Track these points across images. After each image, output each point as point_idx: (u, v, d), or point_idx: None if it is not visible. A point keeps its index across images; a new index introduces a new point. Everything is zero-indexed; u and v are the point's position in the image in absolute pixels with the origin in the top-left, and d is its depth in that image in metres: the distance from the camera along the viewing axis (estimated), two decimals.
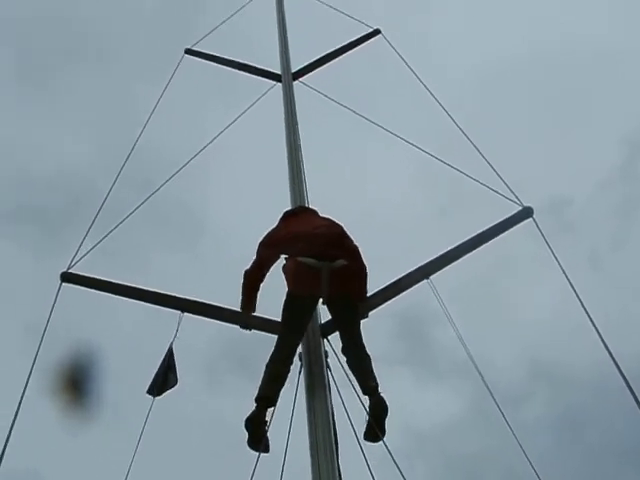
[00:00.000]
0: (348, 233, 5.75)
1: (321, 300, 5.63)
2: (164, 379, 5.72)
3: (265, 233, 5.83)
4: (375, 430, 5.07)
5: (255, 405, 5.18)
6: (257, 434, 5.06)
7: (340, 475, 4.83)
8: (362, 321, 5.73)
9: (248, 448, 5.08)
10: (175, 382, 5.79)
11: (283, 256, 5.74)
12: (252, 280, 5.71)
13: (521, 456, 5.12)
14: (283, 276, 5.72)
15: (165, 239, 13.16)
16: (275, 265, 5.81)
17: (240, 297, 5.79)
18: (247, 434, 5.11)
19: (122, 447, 5.49)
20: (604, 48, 16.14)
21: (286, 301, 5.57)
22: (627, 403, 4.66)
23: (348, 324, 5.60)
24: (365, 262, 5.70)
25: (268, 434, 5.13)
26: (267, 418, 5.16)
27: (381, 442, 5.03)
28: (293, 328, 5.49)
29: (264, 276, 5.75)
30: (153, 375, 5.75)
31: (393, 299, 6.02)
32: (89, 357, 6.01)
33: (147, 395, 5.65)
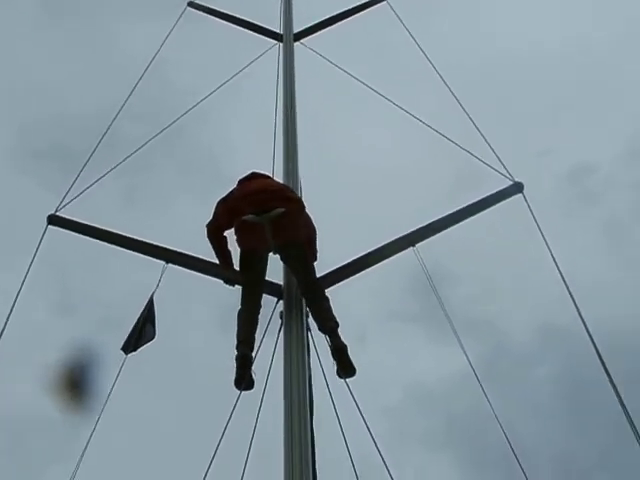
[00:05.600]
0: (290, 190, 6.17)
1: (272, 252, 5.86)
2: (139, 335, 5.74)
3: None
4: (344, 367, 5.44)
5: (235, 350, 5.52)
6: (241, 373, 5.39)
7: (312, 425, 4.98)
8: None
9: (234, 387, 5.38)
10: (153, 335, 5.83)
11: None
12: (212, 232, 5.98)
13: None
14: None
15: (160, 190, 13.17)
16: None
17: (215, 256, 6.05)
18: (235, 372, 5.44)
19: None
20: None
21: (239, 259, 5.90)
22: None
23: (300, 266, 5.84)
24: (305, 203, 5.96)
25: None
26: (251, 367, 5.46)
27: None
28: (250, 281, 5.85)
29: (221, 230, 5.98)
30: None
31: (377, 264, 6.06)
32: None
33: (120, 351, 5.69)
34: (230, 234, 5.91)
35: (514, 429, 5.35)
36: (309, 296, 5.77)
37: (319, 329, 5.63)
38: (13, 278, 5.99)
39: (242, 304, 5.78)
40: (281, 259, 5.91)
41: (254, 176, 6.19)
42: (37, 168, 14.78)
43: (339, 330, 5.63)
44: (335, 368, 5.50)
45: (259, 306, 5.79)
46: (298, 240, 5.81)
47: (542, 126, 14.77)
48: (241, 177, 6.20)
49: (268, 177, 6.38)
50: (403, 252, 6.06)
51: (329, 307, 5.73)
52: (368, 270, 6.07)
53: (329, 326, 5.60)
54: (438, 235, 6.20)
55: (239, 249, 5.87)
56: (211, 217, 6.02)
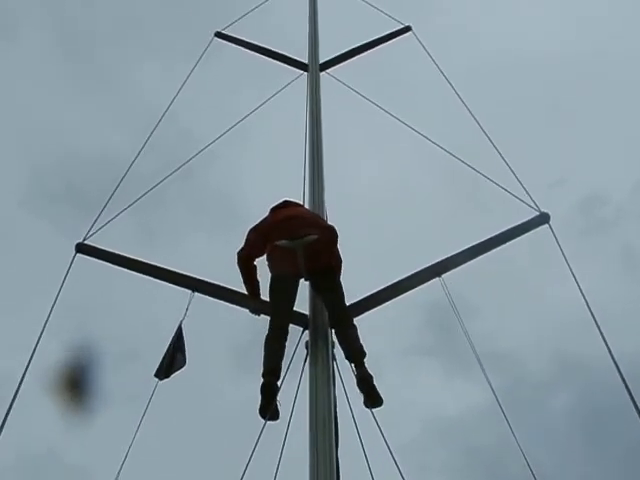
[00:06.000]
0: (323, 219, 6.19)
1: (303, 279, 5.88)
2: (171, 360, 5.79)
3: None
4: (371, 397, 5.44)
5: (262, 378, 5.50)
6: (266, 402, 5.37)
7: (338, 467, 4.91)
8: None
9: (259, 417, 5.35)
10: (183, 363, 5.89)
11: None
12: (242, 259, 5.97)
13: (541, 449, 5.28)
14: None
15: (188, 219, 13.27)
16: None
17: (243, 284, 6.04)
18: (259, 401, 5.41)
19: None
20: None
21: (270, 284, 5.86)
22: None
23: (331, 293, 5.84)
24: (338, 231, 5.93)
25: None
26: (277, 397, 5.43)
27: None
28: (280, 308, 5.82)
29: (252, 258, 6.00)
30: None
31: (402, 295, 6.07)
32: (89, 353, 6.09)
33: (154, 378, 5.74)
34: (260, 262, 5.94)
35: (535, 459, 5.31)
36: (338, 324, 5.76)
37: (346, 357, 5.60)
38: (35, 315, 6.03)
39: (270, 331, 5.72)
40: (311, 286, 5.94)
41: (286, 204, 6.23)
42: (51, 208, 14.93)
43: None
44: (362, 399, 5.47)
45: (287, 333, 5.73)
46: (330, 267, 5.84)
47: (555, 156, 14.82)
48: (273, 205, 6.24)
49: (300, 205, 6.45)
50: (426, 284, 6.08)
51: (357, 336, 5.71)
52: (395, 300, 6.08)
53: (357, 355, 5.59)
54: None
55: (270, 274, 5.86)
56: (243, 244, 6.01)
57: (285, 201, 6.26)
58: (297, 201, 6.47)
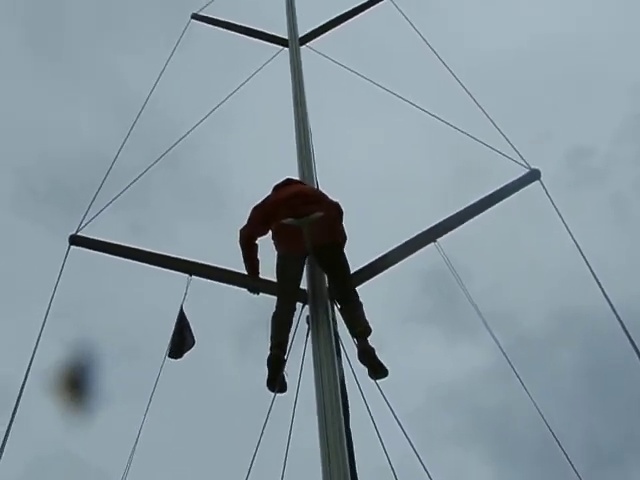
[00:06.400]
0: (326, 195, 6.11)
1: (309, 255, 5.91)
2: (181, 340, 5.83)
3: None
4: (374, 368, 5.43)
5: (269, 352, 5.57)
6: (274, 373, 5.45)
7: (350, 434, 4.94)
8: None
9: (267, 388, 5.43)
10: (193, 342, 5.94)
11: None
12: (245, 237, 5.99)
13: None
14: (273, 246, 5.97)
15: (175, 204, 13.22)
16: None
17: (243, 263, 6.05)
18: (267, 374, 5.49)
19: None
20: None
21: (277, 263, 5.91)
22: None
23: (338, 269, 5.88)
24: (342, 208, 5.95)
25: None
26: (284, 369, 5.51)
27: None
28: (288, 286, 5.85)
29: (255, 236, 6.03)
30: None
31: (402, 261, 6.07)
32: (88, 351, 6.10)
33: (169, 358, 5.80)
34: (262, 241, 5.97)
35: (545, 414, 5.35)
36: (344, 301, 5.77)
37: (350, 333, 5.61)
38: (33, 314, 6.01)
39: (277, 308, 5.78)
40: (317, 262, 5.93)
41: (289, 182, 6.25)
42: (38, 208, 14.85)
43: None
44: (367, 371, 5.47)
45: (294, 310, 5.77)
46: (336, 243, 5.88)
47: (539, 110, 14.80)
48: (276, 183, 6.25)
49: (301, 182, 6.49)
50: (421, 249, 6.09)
51: (363, 312, 5.72)
52: (391, 269, 6.08)
53: (362, 330, 5.58)
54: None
55: (277, 253, 5.90)
56: (245, 223, 6.04)
57: (288, 179, 6.28)
58: (299, 179, 6.49)
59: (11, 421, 5.07)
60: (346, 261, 5.91)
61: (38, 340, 5.63)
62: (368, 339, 5.59)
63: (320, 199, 6.01)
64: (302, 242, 5.71)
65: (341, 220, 5.92)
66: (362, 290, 5.97)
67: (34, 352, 5.56)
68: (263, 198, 6.12)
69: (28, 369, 5.43)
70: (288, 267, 5.86)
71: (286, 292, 5.84)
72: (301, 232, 5.67)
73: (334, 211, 5.90)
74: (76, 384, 5.96)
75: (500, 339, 5.68)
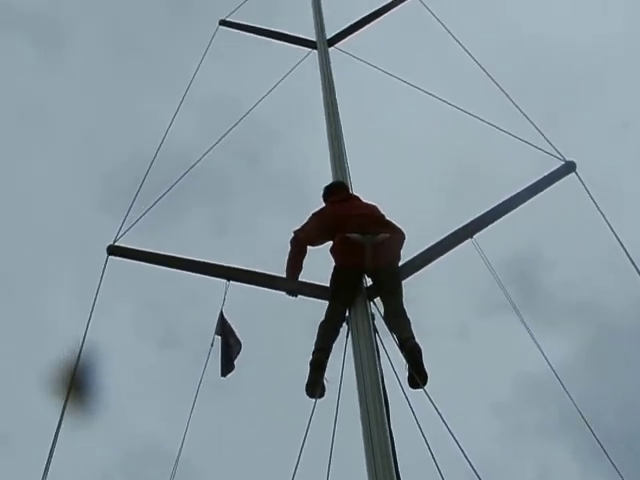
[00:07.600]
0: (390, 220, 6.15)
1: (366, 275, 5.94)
2: (229, 353, 5.85)
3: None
4: (416, 376, 5.27)
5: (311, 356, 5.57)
6: (314, 377, 5.46)
7: (390, 428, 4.91)
8: None
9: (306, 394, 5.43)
10: (240, 346, 5.94)
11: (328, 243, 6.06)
12: (299, 239, 6.09)
13: None
14: (331, 257, 5.99)
15: (207, 211, 13.27)
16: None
17: (286, 263, 6.09)
18: (307, 378, 5.50)
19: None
20: None
21: (333, 274, 5.94)
22: None
23: (391, 292, 5.86)
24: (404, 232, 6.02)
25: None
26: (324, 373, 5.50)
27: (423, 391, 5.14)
28: (340, 299, 5.82)
29: (307, 243, 6.11)
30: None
31: (437, 260, 6.05)
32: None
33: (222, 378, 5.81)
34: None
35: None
36: (394, 319, 5.68)
37: (399, 346, 5.46)
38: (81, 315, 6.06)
39: (326, 317, 5.80)
40: (373, 281, 5.95)
41: (342, 187, 6.54)
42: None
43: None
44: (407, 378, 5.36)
45: (342, 321, 5.75)
46: (395, 266, 5.94)
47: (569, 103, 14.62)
48: (329, 187, 6.52)
49: (358, 198, 6.56)
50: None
51: (409, 327, 5.59)
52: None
53: (405, 337, 5.47)
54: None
55: (335, 264, 5.95)
56: (302, 226, 6.14)
57: (339, 183, 6.54)
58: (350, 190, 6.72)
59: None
60: (401, 286, 5.89)
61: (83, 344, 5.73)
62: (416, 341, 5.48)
63: (387, 222, 6.09)
64: (362, 259, 5.76)
65: (402, 245, 5.99)
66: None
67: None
68: (325, 207, 6.31)
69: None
70: (343, 281, 5.88)
71: (337, 304, 5.82)
72: (364, 249, 5.74)
73: (400, 236, 5.98)
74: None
75: (579, 330, 5.54)
